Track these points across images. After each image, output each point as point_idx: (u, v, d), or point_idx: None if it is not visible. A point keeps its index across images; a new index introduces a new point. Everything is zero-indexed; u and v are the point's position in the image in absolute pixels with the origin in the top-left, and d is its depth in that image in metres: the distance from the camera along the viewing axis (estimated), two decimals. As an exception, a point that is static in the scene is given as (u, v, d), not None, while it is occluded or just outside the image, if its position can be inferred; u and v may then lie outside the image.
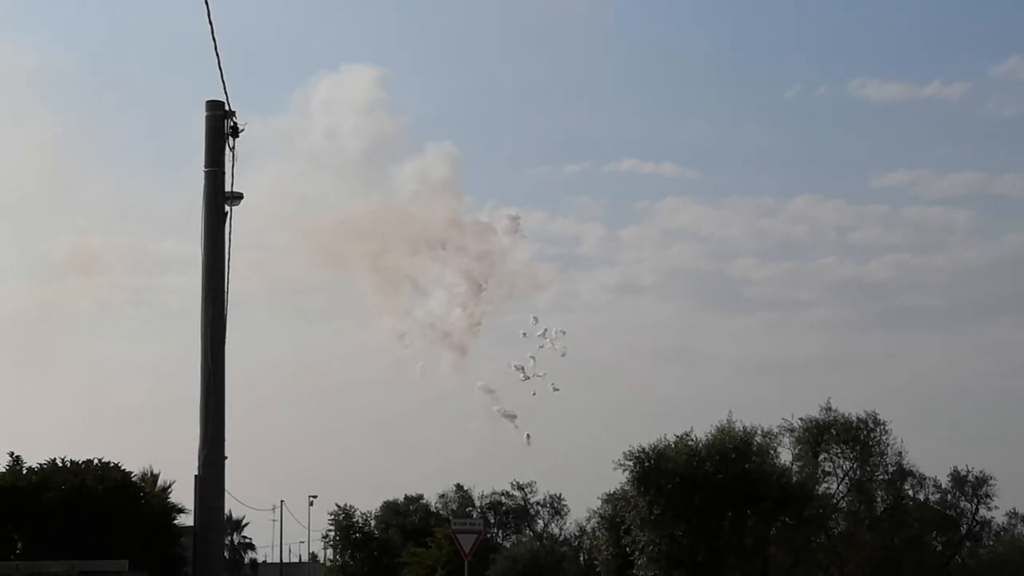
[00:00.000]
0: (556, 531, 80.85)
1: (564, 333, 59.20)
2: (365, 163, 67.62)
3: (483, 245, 61.66)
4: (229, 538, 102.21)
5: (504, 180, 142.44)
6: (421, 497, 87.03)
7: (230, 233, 20.04)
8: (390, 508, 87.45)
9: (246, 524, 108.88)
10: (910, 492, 58.05)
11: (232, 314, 20.05)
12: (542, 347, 58.25)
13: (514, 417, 59.37)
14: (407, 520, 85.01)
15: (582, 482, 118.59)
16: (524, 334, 59.25)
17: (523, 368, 57.57)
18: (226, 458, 19.82)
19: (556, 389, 58.65)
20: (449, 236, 62.91)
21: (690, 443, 53.48)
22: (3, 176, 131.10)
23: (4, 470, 37.67)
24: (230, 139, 20.19)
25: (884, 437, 56.53)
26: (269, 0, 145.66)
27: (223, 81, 19.42)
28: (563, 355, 58.05)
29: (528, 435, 59.75)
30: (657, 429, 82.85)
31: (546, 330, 59.03)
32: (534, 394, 58.25)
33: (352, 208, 66.42)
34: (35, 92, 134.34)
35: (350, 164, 66.80)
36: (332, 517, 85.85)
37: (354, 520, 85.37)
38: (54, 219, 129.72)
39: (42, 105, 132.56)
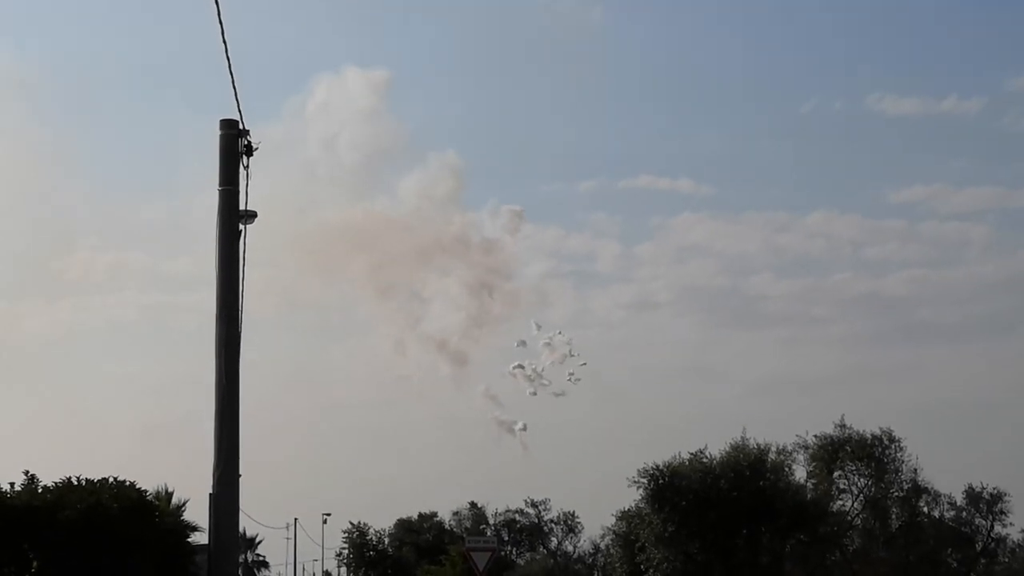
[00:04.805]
0: (570, 549, 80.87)
1: (570, 342, 59.40)
2: (368, 172, 67.80)
3: (489, 260, 61.91)
4: (243, 556, 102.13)
5: (518, 195, 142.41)
6: (435, 515, 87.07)
7: (244, 252, 20.11)
8: (404, 526, 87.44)
9: (260, 542, 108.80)
10: (925, 509, 57.95)
11: (245, 331, 20.10)
12: (543, 353, 58.47)
13: (514, 424, 59.54)
14: (421, 538, 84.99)
15: (596, 499, 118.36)
16: (524, 342, 59.52)
17: (523, 367, 57.75)
18: (240, 476, 19.84)
19: (559, 394, 58.77)
20: (456, 250, 63.16)
21: (704, 460, 53.44)
22: (5, 194, 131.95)
23: (19, 488, 37.70)
24: (244, 158, 20.25)
25: (899, 454, 56.51)
26: (269, 6, 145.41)
27: (237, 100, 19.50)
28: (563, 361, 58.22)
29: (524, 426, 59.80)
30: (671, 446, 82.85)
31: (552, 338, 59.21)
32: (534, 393, 58.40)
33: (356, 219, 66.48)
34: (24, 105, 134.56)
35: (352, 173, 66.86)
36: (346, 535, 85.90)
37: (368, 538, 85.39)
38: (64, 238, 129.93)
39: (33, 119, 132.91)
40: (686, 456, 53.68)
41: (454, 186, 67.55)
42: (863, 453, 56.19)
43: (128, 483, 38.75)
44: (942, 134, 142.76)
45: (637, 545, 54.50)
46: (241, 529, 42.73)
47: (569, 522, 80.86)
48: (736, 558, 52.50)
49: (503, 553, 73.76)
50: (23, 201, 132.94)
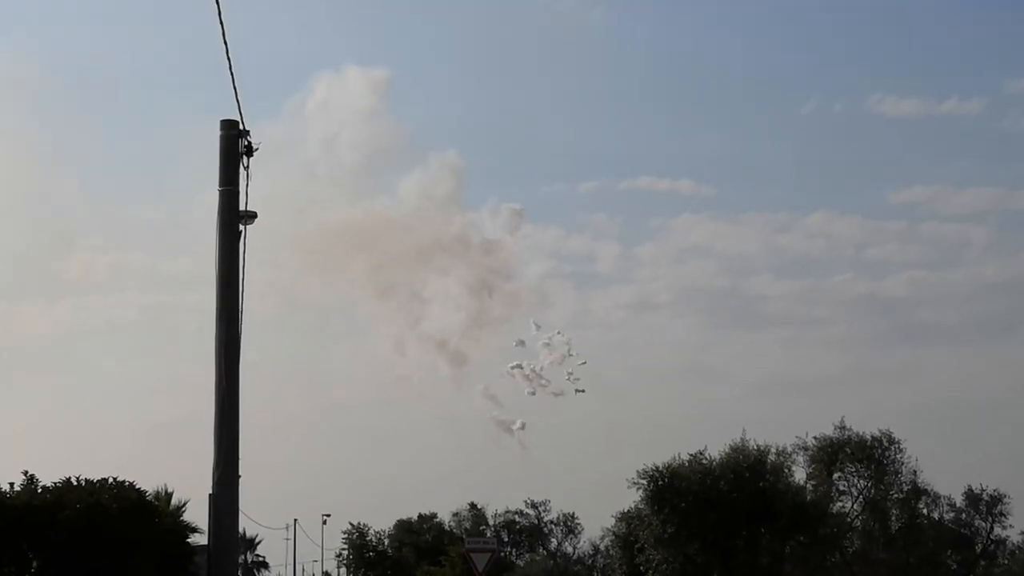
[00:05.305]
0: (570, 550, 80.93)
1: (569, 342, 59.41)
2: (368, 172, 67.78)
3: (490, 260, 61.97)
4: (243, 557, 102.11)
5: (518, 195, 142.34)
6: (435, 516, 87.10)
7: (244, 252, 20.11)
8: (403, 527, 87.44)
9: (259, 542, 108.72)
10: (925, 511, 57.93)
11: (245, 331, 20.10)
12: (541, 354, 58.52)
13: (512, 423, 59.58)
14: (421, 539, 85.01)
15: (596, 501, 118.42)
16: (523, 342, 59.53)
17: (521, 367, 57.78)
18: (240, 477, 19.84)
19: (558, 394, 58.82)
20: (456, 250, 63.22)
21: (704, 461, 53.43)
22: (5, 194, 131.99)
23: (19, 489, 37.73)
24: (244, 158, 20.26)
25: (899, 456, 56.50)
26: (269, 6, 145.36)
27: (237, 100, 19.50)
28: (562, 361, 58.28)
29: (522, 425, 59.80)
30: (671, 447, 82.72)
31: (551, 338, 59.22)
32: (533, 393, 58.40)
33: (356, 219, 66.45)
34: (24, 105, 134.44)
35: (352, 173, 66.86)
36: (346, 536, 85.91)
37: (368, 539, 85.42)
38: (64, 238, 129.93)
39: (33, 119, 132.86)
40: (686, 457, 53.70)
41: (454, 186, 67.67)
42: (863, 455, 56.18)
43: (128, 483, 38.77)
44: (943, 135, 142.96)
45: (637, 546, 54.49)
46: (241, 530, 42.77)
47: (569, 523, 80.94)
48: (736, 559, 52.49)
49: (503, 554, 73.76)
50: (23, 201, 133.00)
